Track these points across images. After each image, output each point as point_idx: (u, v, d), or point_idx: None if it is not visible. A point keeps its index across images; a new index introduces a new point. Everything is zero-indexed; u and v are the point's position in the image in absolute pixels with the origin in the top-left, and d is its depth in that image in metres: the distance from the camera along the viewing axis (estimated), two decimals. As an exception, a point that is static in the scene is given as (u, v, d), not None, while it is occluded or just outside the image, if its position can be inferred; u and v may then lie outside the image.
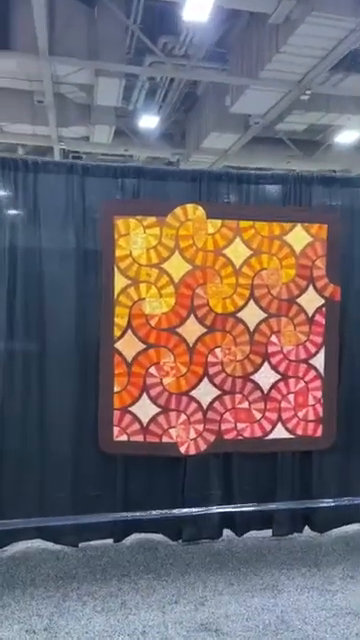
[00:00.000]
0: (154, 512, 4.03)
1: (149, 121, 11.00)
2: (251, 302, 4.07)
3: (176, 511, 4.05)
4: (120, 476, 4.03)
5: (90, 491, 4.01)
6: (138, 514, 4.02)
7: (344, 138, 11.89)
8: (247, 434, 4.12)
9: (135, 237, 3.93)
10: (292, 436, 4.17)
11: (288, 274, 4.11)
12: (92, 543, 4.09)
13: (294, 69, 8.28)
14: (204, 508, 4.06)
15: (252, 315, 4.08)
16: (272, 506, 4.18)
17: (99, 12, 9.10)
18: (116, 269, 3.93)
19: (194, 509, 4.03)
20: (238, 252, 4.05)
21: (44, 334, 3.87)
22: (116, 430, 3.98)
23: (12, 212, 3.74)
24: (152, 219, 3.94)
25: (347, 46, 7.55)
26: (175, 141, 12.34)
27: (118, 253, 3.93)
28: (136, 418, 3.99)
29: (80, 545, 4.05)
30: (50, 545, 4.03)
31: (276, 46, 7.75)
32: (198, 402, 4.05)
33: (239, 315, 4.06)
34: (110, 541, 4.07)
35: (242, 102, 9.71)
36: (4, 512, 3.78)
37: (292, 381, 4.17)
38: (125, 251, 3.93)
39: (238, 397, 4.10)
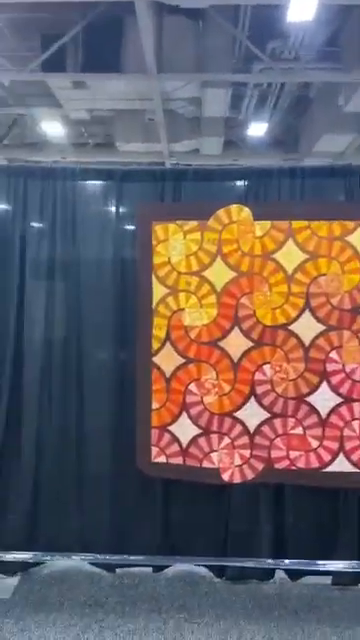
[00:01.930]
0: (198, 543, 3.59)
1: (258, 129, 10.58)
2: (306, 313, 3.50)
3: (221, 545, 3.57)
4: (159, 500, 3.65)
5: (131, 514, 3.68)
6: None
7: None
8: (301, 464, 3.53)
9: (174, 243, 3.57)
10: (358, 470, 3.49)
11: (351, 280, 3.48)
12: (131, 570, 3.74)
13: None
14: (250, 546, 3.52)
15: (307, 328, 3.50)
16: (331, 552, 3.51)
17: (205, 25, 9.00)
18: (154, 277, 3.59)
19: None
20: (291, 256, 3.51)
21: (81, 347, 3.62)
22: (154, 450, 3.62)
23: (47, 222, 3.55)
24: (193, 223, 3.55)
25: None
26: (287, 147, 11.74)
27: (156, 260, 3.59)
28: (175, 438, 3.59)
29: (117, 571, 3.71)
30: (88, 566, 3.75)
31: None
32: (244, 425, 3.55)
33: (292, 328, 3.51)
34: (149, 570, 3.69)
35: (356, 100, 8.95)
36: (43, 534, 3.58)
37: (357, 405, 3.50)
38: (163, 258, 3.59)
39: (291, 421, 3.53)
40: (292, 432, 3.53)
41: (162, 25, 9.04)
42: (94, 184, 3.54)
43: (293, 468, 3.53)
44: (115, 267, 3.59)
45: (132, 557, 3.63)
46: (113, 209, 3.56)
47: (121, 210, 3.56)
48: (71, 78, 9.73)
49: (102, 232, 3.58)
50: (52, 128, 11.16)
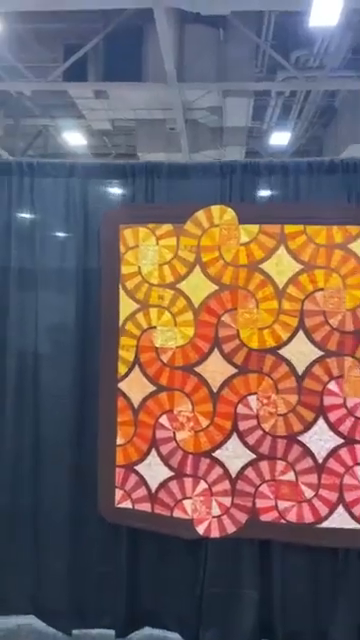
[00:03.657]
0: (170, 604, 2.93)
1: (281, 138, 9.94)
2: (300, 334, 2.83)
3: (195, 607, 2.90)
4: (125, 552, 3.01)
5: (91, 566, 3.05)
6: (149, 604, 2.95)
7: None
8: (293, 517, 2.84)
9: (145, 250, 2.96)
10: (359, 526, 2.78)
11: (354, 297, 2.80)
12: (91, 632, 3.09)
13: None
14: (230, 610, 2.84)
15: (301, 353, 2.83)
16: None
17: (227, 33, 8.56)
18: (121, 290, 2.98)
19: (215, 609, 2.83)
20: (282, 266, 2.85)
21: (37, 369, 3.04)
22: (119, 494, 3.00)
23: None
24: (167, 227, 2.94)
25: None
26: (311, 157, 11.03)
27: (124, 270, 2.99)
28: (143, 481, 2.97)
29: (74, 632, 3.07)
30: (43, 626, 3.13)
31: None
32: (224, 467, 2.89)
33: (282, 352, 2.84)
34: (112, 633, 3.03)
35: (383, 110, 8.23)
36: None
37: (361, 448, 2.79)
38: (133, 267, 2.98)
39: (280, 465, 2.85)
40: (282, 478, 2.86)
41: (183, 34, 8.76)
42: (54, 181, 2.96)
43: (283, 522, 2.84)
44: (77, 277, 3.00)
45: (92, 617, 2.99)
46: (76, 210, 2.95)
47: (85, 211, 2.95)
48: (91, 87, 9.44)
49: (63, 237, 2.99)
50: (74, 139, 10.78)
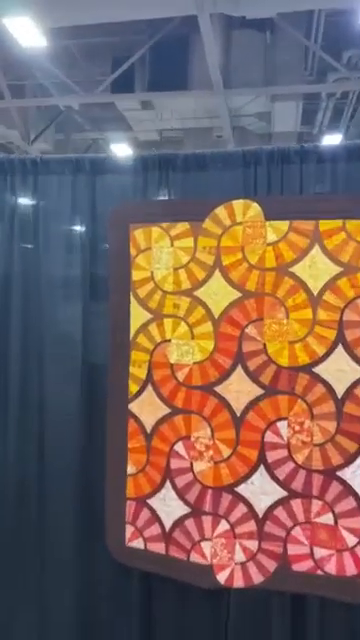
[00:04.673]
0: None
1: (333, 142, 9.32)
2: (339, 350, 2.33)
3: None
4: (137, 596, 2.58)
5: (100, 613, 2.64)
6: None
7: None
8: (332, 568, 2.33)
9: (159, 252, 2.55)
10: None
11: None
12: None
13: None
14: None
15: (341, 371, 2.34)
16: None
17: (274, 37, 8.20)
18: (132, 298, 2.58)
19: None
20: (317, 269, 2.37)
21: (42, 388, 2.68)
22: (129, 530, 2.58)
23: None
24: (183, 226, 2.52)
25: None
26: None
27: (135, 276, 2.59)
28: (156, 517, 2.53)
29: None
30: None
31: None
32: (249, 505, 2.42)
33: (318, 370, 2.35)
34: None
35: None
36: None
37: None
38: (145, 273, 2.58)
39: (316, 505, 2.35)
40: (318, 520, 2.35)
41: (230, 40, 8.52)
42: (59, 178, 2.60)
43: (319, 573, 2.34)
44: (84, 284, 2.62)
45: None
46: (83, 210, 2.59)
47: (93, 211, 2.58)
48: (137, 97, 9.27)
49: (69, 240, 2.63)
50: (122, 151, 10.59)
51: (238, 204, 2.45)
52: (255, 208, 2.43)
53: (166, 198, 2.57)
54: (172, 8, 6.83)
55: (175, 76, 8.91)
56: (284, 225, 2.40)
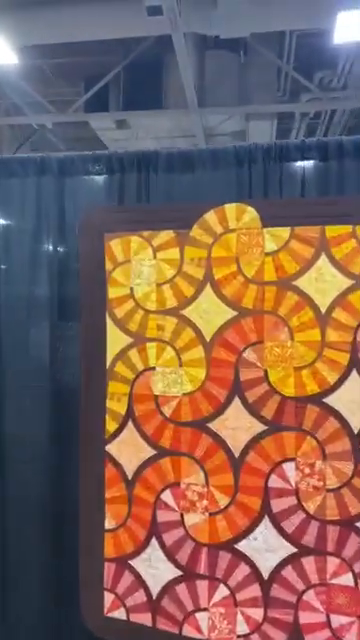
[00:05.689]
0: None
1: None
2: (354, 376, 1.94)
3: None
4: None
5: None
6: None
7: None
8: (352, 638, 1.88)
9: (140, 266, 2.13)
10: None
11: None
12: None
13: None
14: None
15: (356, 402, 1.92)
16: None
17: (248, 57, 8.16)
18: (109, 319, 2.15)
19: None
20: (324, 283, 1.98)
21: (1, 425, 2.20)
22: (108, 599, 2.11)
23: None
24: (168, 235, 2.12)
25: None
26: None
27: (112, 293, 2.16)
28: (140, 581, 2.06)
29: None
30: None
31: None
32: (252, 565, 1.98)
33: (330, 401, 1.95)
34: None
35: None
36: None
37: None
38: (123, 290, 2.15)
39: (333, 563, 1.93)
40: (335, 582, 1.92)
41: (204, 60, 8.47)
42: (22, 181, 2.18)
43: (339, 646, 1.89)
44: (52, 305, 2.17)
45: None
46: (49, 217, 2.16)
47: (60, 219, 2.15)
48: (111, 117, 9.05)
49: (33, 253, 2.19)
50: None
51: (231, 208, 2.06)
52: (250, 213, 2.05)
53: (147, 203, 2.16)
54: (146, 28, 6.63)
55: (150, 95, 8.78)
56: (285, 232, 2.02)
